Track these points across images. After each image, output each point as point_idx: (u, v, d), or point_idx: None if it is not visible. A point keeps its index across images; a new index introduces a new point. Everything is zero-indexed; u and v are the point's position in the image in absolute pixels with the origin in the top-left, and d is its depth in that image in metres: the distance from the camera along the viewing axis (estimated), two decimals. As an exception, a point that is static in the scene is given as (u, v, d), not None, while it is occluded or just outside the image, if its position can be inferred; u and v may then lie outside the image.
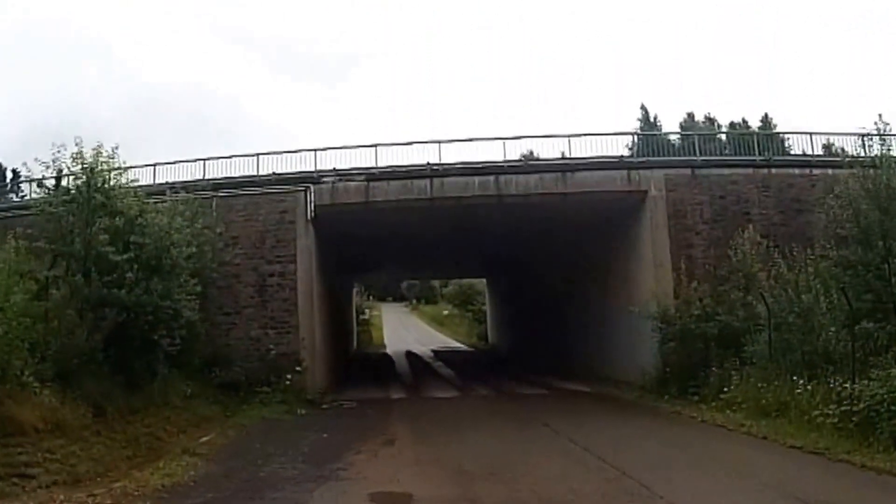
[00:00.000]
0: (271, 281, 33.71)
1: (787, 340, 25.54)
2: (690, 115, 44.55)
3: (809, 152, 35.54)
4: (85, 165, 25.14)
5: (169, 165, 36.34)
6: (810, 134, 36.03)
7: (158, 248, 25.55)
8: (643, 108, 65.85)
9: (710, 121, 42.91)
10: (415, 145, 36.70)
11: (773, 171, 34.88)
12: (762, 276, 28.62)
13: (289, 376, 31.39)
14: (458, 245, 50.32)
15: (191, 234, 28.24)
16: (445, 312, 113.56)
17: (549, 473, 17.12)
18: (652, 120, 42.16)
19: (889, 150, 26.37)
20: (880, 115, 26.45)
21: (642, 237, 35.21)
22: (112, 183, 25.93)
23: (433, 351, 71.99)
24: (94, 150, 25.35)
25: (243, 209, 34.26)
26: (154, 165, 36.06)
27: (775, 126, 38.21)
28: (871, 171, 25.36)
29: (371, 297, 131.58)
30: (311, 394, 32.33)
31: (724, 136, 41.82)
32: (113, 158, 26.02)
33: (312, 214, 34.54)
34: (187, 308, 26.07)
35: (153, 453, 19.59)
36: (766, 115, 39.25)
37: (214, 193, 33.84)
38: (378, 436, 23.22)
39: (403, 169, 36.04)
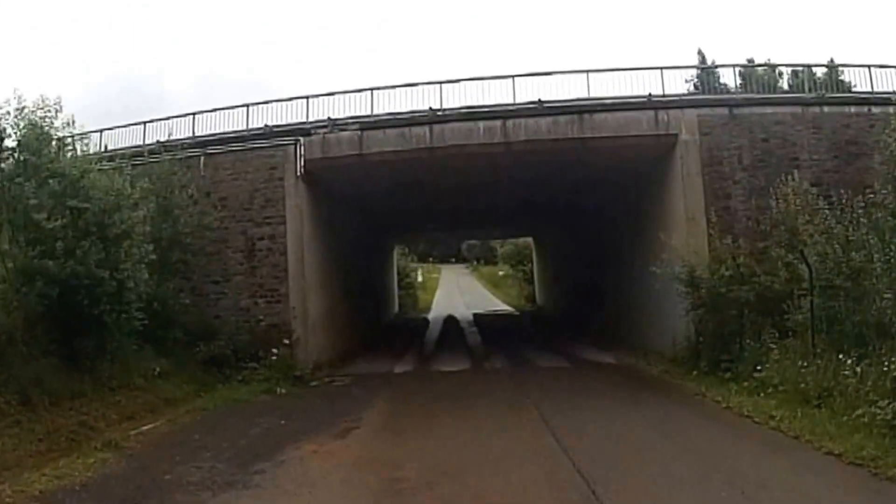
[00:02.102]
0: (260, 245, 30.90)
1: (833, 308, 20.78)
2: (750, 62, 39.72)
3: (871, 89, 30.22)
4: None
5: (158, 123, 33.24)
6: (868, 67, 30.72)
7: (102, 212, 22.46)
8: (700, 53, 60.20)
9: (772, 67, 37.96)
10: (414, 87, 32.31)
11: (826, 109, 29.91)
12: (809, 231, 23.37)
13: (275, 351, 29.01)
14: (482, 201, 45.93)
15: (152, 195, 26.92)
16: (501, 273, 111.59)
17: (502, 485, 14.09)
18: (710, 64, 37.41)
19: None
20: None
21: (673, 187, 30.59)
22: (59, 143, 23.63)
23: (474, 314, 68.87)
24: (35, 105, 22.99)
25: (231, 167, 31.44)
26: (144, 123, 33.29)
27: (841, 73, 32.61)
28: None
29: (432, 260, 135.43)
30: (302, 369, 29.42)
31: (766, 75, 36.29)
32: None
33: (302, 170, 31.29)
34: (133, 278, 22.65)
35: (73, 447, 17.45)
36: (831, 61, 34.24)
37: (203, 151, 31.56)
38: (341, 423, 20.85)
39: (400, 116, 31.88)
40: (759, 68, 35.20)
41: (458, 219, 57.34)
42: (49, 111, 23.00)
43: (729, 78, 34.95)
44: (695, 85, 35.81)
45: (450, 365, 35.20)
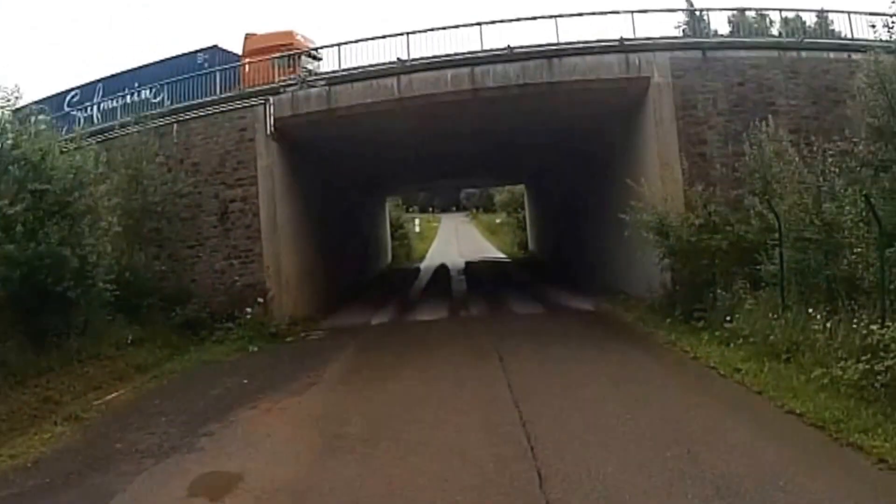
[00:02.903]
0: (233, 207, 30.72)
1: (804, 261, 19.64)
2: (741, 12, 38.03)
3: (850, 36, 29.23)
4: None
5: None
6: (849, 13, 29.71)
7: (64, 191, 22.47)
8: (689, 11, 58.20)
9: (762, 16, 36.37)
10: (382, 40, 31.49)
11: (804, 54, 28.88)
12: (783, 179, 22.15)
13: (248, 310, 28.94)
14: (462, 149, 44.70)
15: (122, 167, 27.84)
16: (498, 221, 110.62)
17: (440, 441, 14.02)
18: (698, 15, 35.73)
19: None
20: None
21: (646, 132, 29.46)
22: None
23: (466, 263, 68.28)
24: None
25: (203, 131, 31.16)
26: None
27: (832, 22, 31.34)
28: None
29: (433, 210, 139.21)
30: (277, 326, 29.37)
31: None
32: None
33: (272, 129, 30.78)
34: (96, 252, 22.75)
35: (34, 423, 17.35)
36: (821, 10, 32.81)
37: (175, 119, 31.41)
38: (303, 378, 20.98)
39: (368, 69, 31.01)
40: (749, 13, 33.59)
41: (441, 168, 55.98)
42: (8, 100, 22.84)
43: (720, 24, 33.77)
44: (683, 31, 34.24)
45: (428, 314, 34.86)
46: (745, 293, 21.38)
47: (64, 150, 23.19)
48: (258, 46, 33.29)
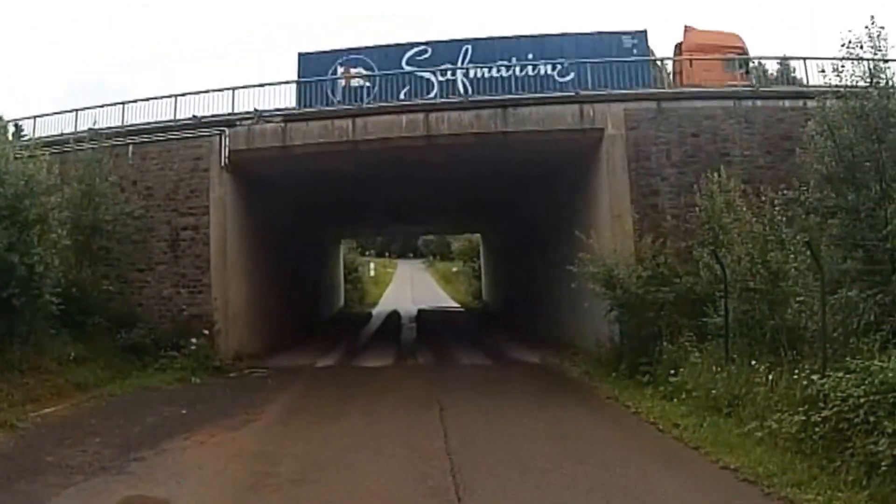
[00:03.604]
0: (184, 235, 30.39)
1: (749, 312, 19.46)
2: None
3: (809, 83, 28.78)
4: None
5: (89, 111, 32.51)
6: (804, 59, 29.72)
7: (15, 196, 22.32)
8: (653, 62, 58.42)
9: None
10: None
11: (759, 103, 28.83)
12: (735, 230, 21.97)
13: (194, 340, 28.65)
14: (416, 195, 44.72)
15: (75, 182, 27.63)
16: (454, 269, 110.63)
17: (369, 488, 13.60)
18: (661, 65, 35.58)
19: (885, 59, 19.31)
20: (872, 18, 19.24)
21: (599, 184, 29.40)
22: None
23: (419, 310, 67.76)
24: None
25: (158, 156, 31.02)
26: (76, 111, 32.75)
27: (794, 70, 31.41)
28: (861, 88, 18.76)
29: (389, 255, 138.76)
30: (221, 359, 29.25)
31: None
32: None
33: (226, 161, 30.58)
34: (44, 263, 22.46)
35: None
36: (784, 56, 32.82)
37: (131, 140, 31.16)
38: (241, 415, 20.58)
39: (324, 108, 31.25)
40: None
41: (397, 213, 55.85)
42: None
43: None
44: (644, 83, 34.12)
45: (374, 361, 34.39)
46: (692, 346, 21.12)
47: (17, 156, 23.19)
48: (700, 42, 32.58)
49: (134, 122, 31.86)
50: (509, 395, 23.87)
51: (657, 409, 19.14)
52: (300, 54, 33.90)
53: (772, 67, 32.38)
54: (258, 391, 25.05)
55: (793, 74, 32.18)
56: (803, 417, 13.55)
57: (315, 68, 33.25)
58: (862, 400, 12.31)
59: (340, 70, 32.94)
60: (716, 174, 24.30)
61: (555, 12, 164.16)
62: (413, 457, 15.78)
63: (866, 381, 12.56)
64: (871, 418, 11.96)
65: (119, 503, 12.55)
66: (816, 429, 13.14)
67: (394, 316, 64.05)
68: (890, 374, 12.15)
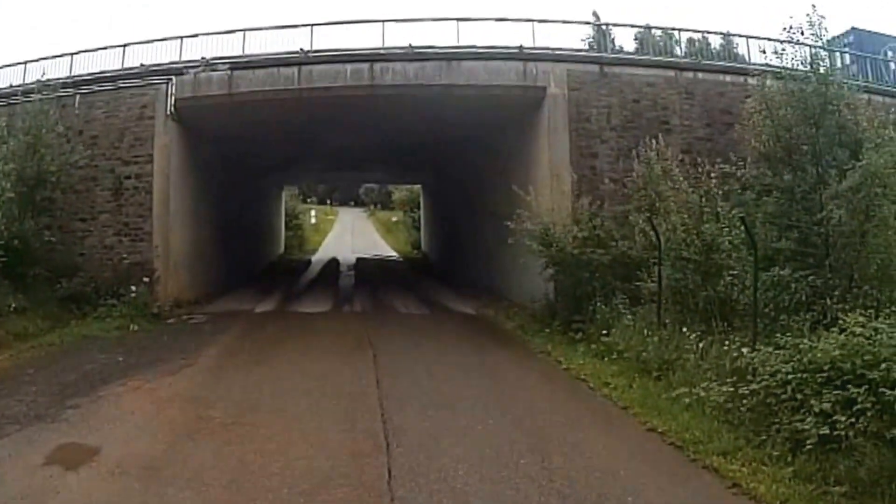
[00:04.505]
0: (128, 184, 30.00)
1: (682, 281, 19.53)
2: (648, 28, 38.07)
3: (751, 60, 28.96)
4: None
5: (37, 63, 31.87)
6: (746, 37, 30.17)
7: None
8: (595, 14, 58.05)
9: (668, 35, 36.40)
10: (286, 30, 31.28)
11: (701, 75, 29.05)
12: (671, 198, 21.94)
13: (133, 288, 28.28)
14: (359, 144, 43.82)
15: (20, 133, 27.16)
16: (394, 219, 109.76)
17: (301, 431, 13.85)
18: (605, 29, 35.55)
19: (824, 47, 19.32)
20: (814, 6, 19.21)
21: (539, 142, 29.36)
22: None
23: (357, 259, 67.40)
24: None
25: (104, 106, 30.39)
26: (24, 63, 32.11)
27: (736, 46, 31.45)
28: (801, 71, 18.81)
29: (331, 203, 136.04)
30: (160, 306, 28.86)
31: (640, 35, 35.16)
32: None
33: (172, 109, 30.13)
34: None
35: None
36: (727, 32, 33.06)
37: (77, 90, 30.50)
38: (178, 360, 20.48)
39: (270, 56, 30.51)
40: (656, 31, 33.61)
41: (340, 161, 55.44)
42: None
43: (627, 42, 33.76)
44: (589, 45, 34.06)
45: (312, 307, 34.37)
46: (625, 309, 21.18)
47: None
48: None
49: (82, 72, 31.31)
50: (443, 343, 24.11)
51: (588, 367, 19.12)
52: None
53: (715, 42, 32.17)
54: (196, 336, 24.98)
55: (735, 50, 32.23)
56: (731, 388, 13.54)
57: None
58: (790, 377, 12.29)
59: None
60: (654, 141, 24.25)
61: None
62: (345, 401, 15.97)
63: (795, 358, 12.56)
64: (799, 396, 11.94)
65: (52, 451, 12.40)
66: (744, 401, 13.14)
67: (333, 263, 63.69)
68: (818, 354, 12.11)
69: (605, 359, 19.43)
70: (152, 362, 20.12)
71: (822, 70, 18.57)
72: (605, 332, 20.59)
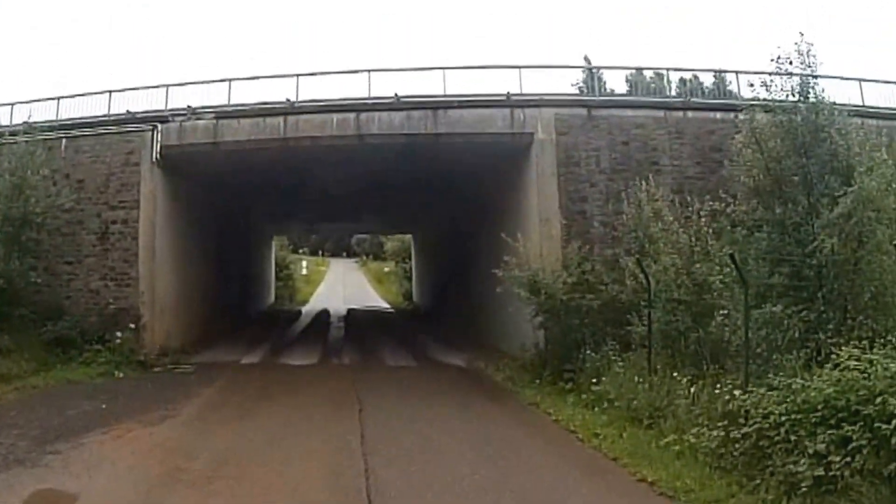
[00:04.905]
0: (114, 228, 29.80)
1: (672, 323, 19.22)
2: (639, 70, 38.19)
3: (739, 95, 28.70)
4: None
5: (24, 105, 31.93)
6: (737, 73, 29.70)
7: None
8: (586, 59, 58.16)
9: (660, 76, 36.46)
10: (272, 79, 31.38)
11: (690, 114, 28.72)
12: (661, 240, 21.47)
13: (119, 334, 28.30)
14: (348, 194, 44.02)
15: (7, 174, 27.18)
16: (386, 269, 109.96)
17: (282, 485, 13.54)
18: (595, 73, 35.58)
19: (814, 75, 18.97)
20: (801, 34, 18.88)
21: (528, 188, 29.07)
22: None
23: (348, 309, 67.14)
24: None
25: (90, 150, 30.37)
26: (11, 105, 32.08)
27: (729, 83, 31.33)
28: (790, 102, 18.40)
29: (323, 253, 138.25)
30: (146, 354, 28.72)
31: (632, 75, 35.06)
32: None
33: (158, 156, 30.05)
34: None
35: None
36: (718, 75, 33.01)
37: (65, 134, 30.55)
38: (161, 410, 20.26)
39: (256, 106, 30.45)
40: (647, 72, 33.54)
41: (329, 211, 55.74)
42: None
43: (618, 84, 33.53)
44: (580, 89, 33.93)
45: (300, 359, 33.93)
46: (615, 355, 20.79)
47: None
48: None
49: (68, 116, 31.37)
50: (431, 397, 23.64)
51: (578, 418, 18.71)
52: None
53: (707, 81, 32.00)
54: (180, 386, 24.71)
55: (728, 88, 31.92)
56: (723, 433, 13.22)
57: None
58: (783, 418, 12.00)
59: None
60: (644, 183, 23.99)
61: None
62: (329, 456, 15.68)
63: (788, 399, 12.26)
64: (792, 437, 11.65)
65: (30, 497, 12.33)
66: (737, 445, 12.83)
67: (323, 314, 63.61)
68: (812, 393, 11.83)
69: (596, 408, 19.05)
70: (136, 411, 19.90)
71: (811, 98, 18.24)
72: (595, 380, 20.18)
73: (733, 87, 31.15)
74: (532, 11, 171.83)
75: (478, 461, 15.18)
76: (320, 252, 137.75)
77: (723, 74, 31.28)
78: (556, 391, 22.36)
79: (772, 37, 52.56)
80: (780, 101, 18.50)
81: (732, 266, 16.43)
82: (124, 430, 17.54)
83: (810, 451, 11.10)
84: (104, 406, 20.43)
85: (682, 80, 31.55)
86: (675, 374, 17.28)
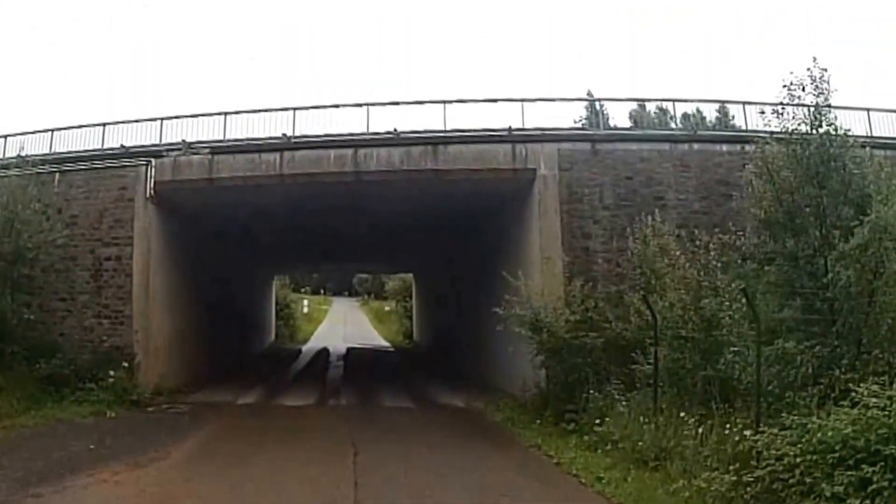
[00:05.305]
0: (108, 265, 29.46)
1: (679, 361, 18.61)
2: (642, 105, 37.93)
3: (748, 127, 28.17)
4: None
5: (15, 138, 31.58)
6: (743, 104, 29.11)
7: None
8: (589, 93, 57.91)
9: (663, 111, 36.16)
10: (268, 113, 30.61)
11: (696, 146, 28.36)
12: (667, 276, 21.24)
13: (112, 372, 27.40)
14: (346, 233, 43.70)
15: None
16: (387, 308, 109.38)
17: None
18: (598, 108, 35.35)
19: (827, 102, 18.36)
20: (815, 59, 18.30)
21: (530, 225, 28.60)
22: None
23: (348, 349, 66.67)
24: None
25: (84, 185, 30.05)
26: (4, 137, 31.75)
27: (733, 117, 30.96)
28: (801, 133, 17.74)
29: (325, 292, 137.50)
30: (140, 393, 27.99)
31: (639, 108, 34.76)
32: None
33: (152, 192, 29.71)
34: None
35: None
36: (722, 107, 32.79)
37: (58, 168, 30.22)
38: (150, 452, 19.61)
39: (252, 141, 30.01)
40: (650, 108, 33.23)
41: (329, 250, 55.30)
42: None
43: (621, 119, 33.05)
44: (582, 125, 33.43)
45: (296, 399, 33.35)
46: (619, 394, 20.27)
47: None
48: None
49: (62, 150, 31.13)
50: (429, 441, 22.95)
51: (580, 460, 18.14)
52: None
53: (710, 115, 31.72)
54: (172, 428, 24.13)
55: (731, 122, 31.64)
56: (734, 477, 12.59)
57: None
58: (798, 459, 11.47)
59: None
60: (649, 218, 23.61)
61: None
62: None
63: (803, 439, 11.72)
64: (808, 479, 11.13)
65: None
66: (748, 488, 12.23)
67: (323, 353, 63.08)
68: (829, 433, 11.28)
69: (599, 450, 18.50)
70: (124, 454, 19.34)
71: (824, 126, 17.64)
72: (598, 421, 19.59)
73: (737, 122, 30.72)
74: (532, 41, 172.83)
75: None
76: (322, 291, 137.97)
77: (727, 105, 30.89)
78: (558, 432, 21.77)
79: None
80: (793, 132, 17.93)
81: (742, 301, 15.93)
82: (111, 473, 17.05)
83: (827, 493, 10.61)
84: (92, 447, 19.94)
85: (686, 116, 31.03)
86: (682, 413, 16.69)
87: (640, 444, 17.01)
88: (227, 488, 16.33)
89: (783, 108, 18.02)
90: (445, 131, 28.99)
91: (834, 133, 17.38)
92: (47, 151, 30.84)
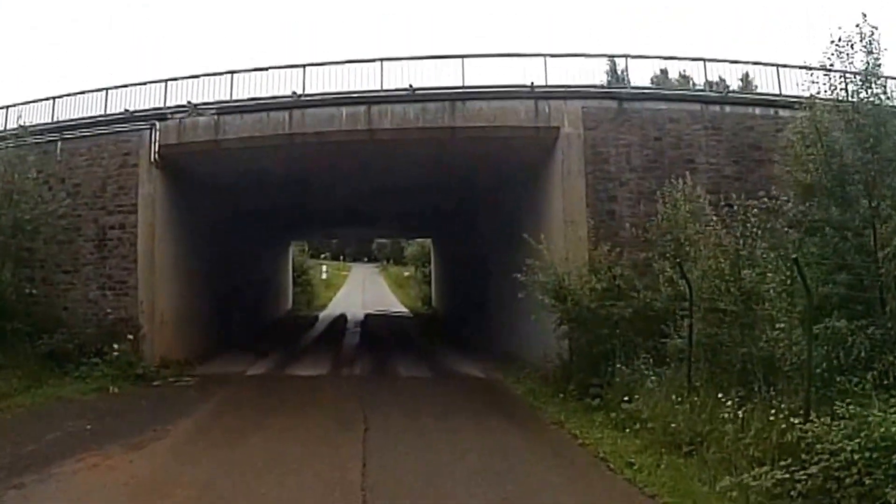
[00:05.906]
0: (112, 234, 28.71)
1: (716, 336, 17.41)
2: (664, 72, 36.68)
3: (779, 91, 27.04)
4: None
5: (18, 107, 30.72)
6: (777, 66, 27.50)
7: None
8: (610, 59, 56.41)
9: (685, 78, 34.91)
10: (277, 70, 29.34)
11: (728, 108, 27.11)
12: (699, 243, 19.94)
13: (116, 346, 26.88)
14: (360, 195, 42.39)
15: None
16: (406, 274, 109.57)
17: None
18: (620, 73, 34.10)
19: (878, 63, 16.97)
20: (864, 16, 16.88)
21: (552, 187, 27.49)
22: None
23: (366, 315, 66.98)
24: None
25: (87, 153, 29.27)
26: (6, 108, 30.90)
27: (756, 87, 29.61)
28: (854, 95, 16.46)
29: (344, 258, 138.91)
30: (146, 367, 27.25)
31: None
32: None
33: (156, 156, 28.84)
34: None
35: None
36: (746, 75, 31.59)
37: (60, 136, 29.50)
38: (149, 431, 18.85)
39: (260, 100, 28.86)
40: (672, 74, 32.32)
41: (344, 215, 54.34)
42: None
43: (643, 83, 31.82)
44: (608, 82, 32.52)
45: (309, 369, 32.67)
46: (648, 369, 19.10)
47: None
48: None
49: (64, 117, 30.27)
50: (443, 414, 22.06)
51: (608, 442, 16.99)
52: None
53: (734, 85, 30.61)
54: (176, 403, 23.40)
55: (755, 88, 30.21)
56: (786, 475, 11.37)
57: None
58: (856, 456, 10.42)
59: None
60: (680, 181, 22.49)
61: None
62: (323, 491, 14.09)
63: (862, 433, 10.64)
64: (867, 480, 10.09)
65: None
66: (797, 485, 11.11)
67: (340, 320, 62.99)
68: (893, 428, 9.99)
69: (627, 430, 17.41)
70: (120, 433, 18.56)
71: (874, 88, 16.24)
72: (626, 397, 18.49)
73: (761, 87, 29.25)
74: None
75: (490, 496, 13.57)
76: (341, 257, 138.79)
77: (760, 66, 29.37)
78: (582, 408, 20.78)
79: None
80: (843, 90, 16.56)
81: (787, 273, 14.58)
82: (103, 456, 16.21)
83: (891, 499, 9.60)
84: (88, 427, 19.19)
85: (709, 83, 29.52)
86: (719, 394, 15.41)
87: (673, 425, 15.88)
88: (225, 470, 15.52)
89: (831, 64, 16.65)
90: (464, 87, 27.85)
91: (886, 94, 16.06)
92: (49, 120, 30.04)
